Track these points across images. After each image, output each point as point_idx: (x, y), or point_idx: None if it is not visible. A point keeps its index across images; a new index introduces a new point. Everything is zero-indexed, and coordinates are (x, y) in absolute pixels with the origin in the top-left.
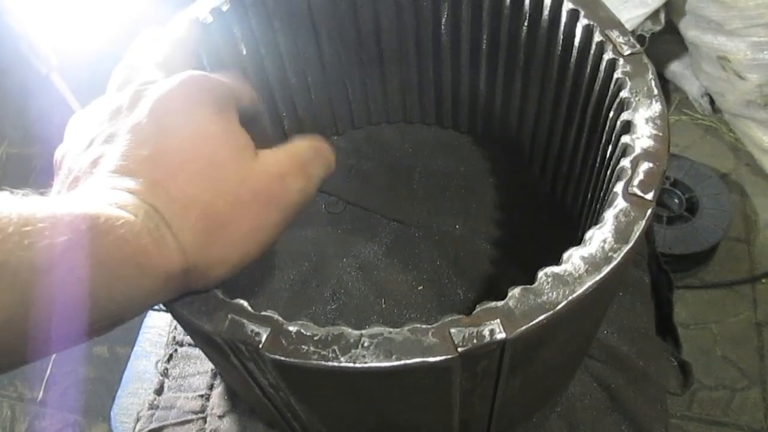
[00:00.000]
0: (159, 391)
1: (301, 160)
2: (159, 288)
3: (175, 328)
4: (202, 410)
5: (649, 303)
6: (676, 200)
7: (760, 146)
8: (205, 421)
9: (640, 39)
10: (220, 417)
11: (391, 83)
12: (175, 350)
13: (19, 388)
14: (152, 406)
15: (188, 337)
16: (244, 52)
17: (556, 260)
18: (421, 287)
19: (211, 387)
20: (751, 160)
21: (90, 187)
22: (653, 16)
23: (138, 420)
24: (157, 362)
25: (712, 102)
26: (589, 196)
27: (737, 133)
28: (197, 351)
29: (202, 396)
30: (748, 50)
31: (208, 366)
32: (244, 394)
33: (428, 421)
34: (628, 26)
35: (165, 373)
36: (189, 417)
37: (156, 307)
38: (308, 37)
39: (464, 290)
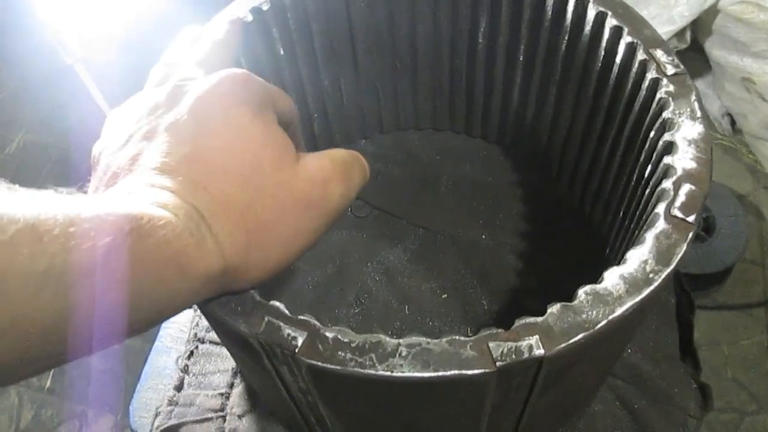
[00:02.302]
0: (179, 388)
1: (342, 166)
2: (198, 289)
3: (197, 324)
4: (222, 409)
5: (673, 324)
6: None
7: None
8: (225, 420)
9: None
10: (240, 417)
11: (422, 90)
12: (196, 347)
13: None
14: (171, 402)
15: (209, 334)
16: (282, 53)
17: (581, 275)
18: (445, 296)
19: (231, 386)
20: None
21: (130, 185)
22: (679, 34)
23: (157, 415)
24: (177, 358)
25: (732, 122)
26: (621, 214)
27: (757, 155)
28: (218, 348)
29: (222, 394)
30: None
31: (229, 364)
32: (267, 395)
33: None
34: None
35: (185, 370)
36: (208, 415)
37: None
38: (344, 41)
39: (488, 301)
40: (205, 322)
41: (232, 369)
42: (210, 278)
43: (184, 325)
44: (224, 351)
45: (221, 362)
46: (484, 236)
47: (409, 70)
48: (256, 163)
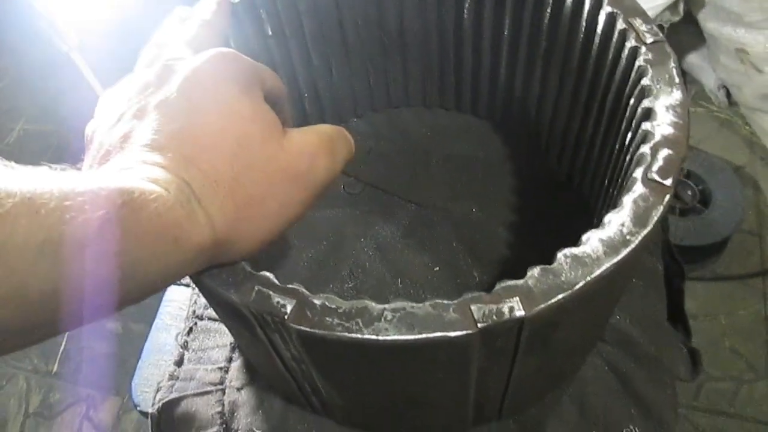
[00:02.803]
0: (179, 363)
1: (327, 140)
2: (190, 261)
3: (195, 302)
4: (221, 382)
5: (661, 291)
6: (690, 192)
7: None
8: (224, 393)
9: (658, 29)
10: (239, 389)
11: (412, 68)
12: (195, 323)
13: (35, 361)
14: (172, 377)
15: (208, 311)
16: (270, 33)
17: (571, 246)
18: (438, 268)
19: (229, 360)
20: (765, 154)
21: (122, 162)
22: (672, 6)
23: (158, 390)
24: (177, 335)
25: (728, 95)
26: (607, 183)
27: (753, 126)
28: (216, 325)
29: (221, 368)
30: (767, 43)
31: (227, 339)
32: (263, 367)
33: (444, 398)
34: None
35: (185, 346)
36: (208, 388)
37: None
38: (332, 20)
39: (480, 273)
40: (203, 300)
41: (231, 344)
42: (201, 250)
43: (182, 303)
44: (222, 327)
45: (219, 338)
46: (474, 210)
47: (397, 47)
48: (244, 138)
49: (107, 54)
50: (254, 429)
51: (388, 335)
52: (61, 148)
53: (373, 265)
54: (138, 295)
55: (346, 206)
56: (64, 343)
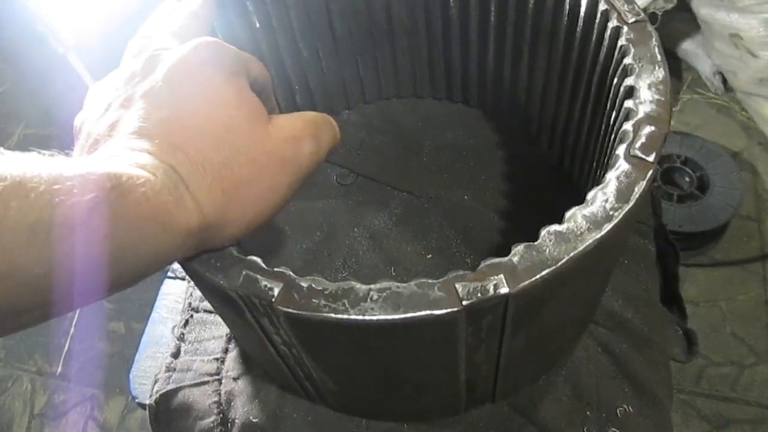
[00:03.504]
0: (176, 355)
1: (312, 126)
2: (179, 245)
3: (191, 295)
4: (218, 373)
5: (654, 272)
6: (687, 178)
7: None
8: (221, 383)
9: (653, 17)
10: (235, 379)
11: (401, 58)
12: (191, 316)
13: (39, 362)
14: (169, 369)
15: (203, 303)
16: (258, 25)
17: None
18: (430, 256)
19: (225, 351)
20: (763, 139)
21: (110, 150)
22: None
23: (156, 382)
24: (173, 327)
25: (724, 81)
26: (595, 164)
27: (749, 111)
28: (212, 317)
29: (217, 359)
30: (760, 27)
31: (223, 331)
32: (258, 355)
33: (434, 379)
34: (641, 3)
35: (181, 338)
36: (205, 379)
37: (172, 274)
38: (320, 11)
39: (472, 259)
40: (198, 293)
41: (226, 335)
42: (189, 234)
43: (178, 296)
44: (218, 319)
45: (215, 329)
46: (467, 197)
47: (386, 38)
48: (231, 124)
49: (103, 55)
50: (251, 418)
51: (374, 315)
52: (61, 152)
53: (367, 254)
54: (128, 279)
55: (338, 197)
56: (67, 344)
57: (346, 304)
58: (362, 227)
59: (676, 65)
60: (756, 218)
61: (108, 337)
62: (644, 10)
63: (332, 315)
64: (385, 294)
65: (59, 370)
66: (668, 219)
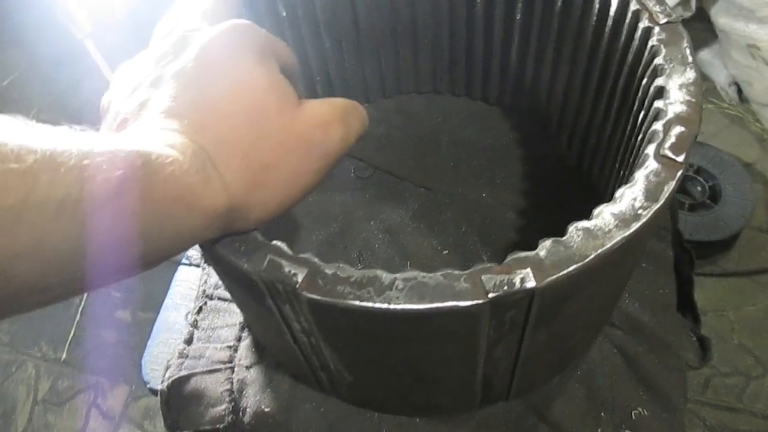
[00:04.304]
0: (189, 342)
1: (342, 111)
2: (205, 226)
3: (205, 282)
4: (230, 360)
5: (671, 276)
6: (699, 188)
7: None
8: (233, 371)
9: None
10: (248, 368)
11: (422, 53)
12: (205, 303)
13: (44, 348)
14: (182, 355)
15: (218, 291)
16: (284, 14)
17: None
18: (446, 252)
19: (239, 339)
20: None
21: (139, 128)
22: (684, 2)
23: (168, 368)
24: (187, 314)
25: (739, 92)
26: (617, 164)
27: (763, 123)
28: (226, 305)
29: (230, 347)
30: None
31: (237, 319)
32: (272, 344)
33: (453, 374)
34: None
35: (195, 325)
36: (217, 366)
37: (186, 261)
38: (345, 3)
39: (488, 256)
40: (213, 280)
41: (240, 323)
42: (216, 215)
43: (193, 283)
44: (232, 306)
45: (229, 317)
46: (484, 194)
47: (409, 33)
48: (260, 106)
49: (121, 43)
50: (263, 407)
51: (399, 304)
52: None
53: (382, 247)
54: (152, 259)
55: (356, 190)
56: (73, 330)
57: (371, 291)
58: (378, 221)
59: None
60: (767, 229)
61: (114, 325)
62: None
63: (357, 302)
64: (411, 283)
65: (64, 356)
66: (680, 227)
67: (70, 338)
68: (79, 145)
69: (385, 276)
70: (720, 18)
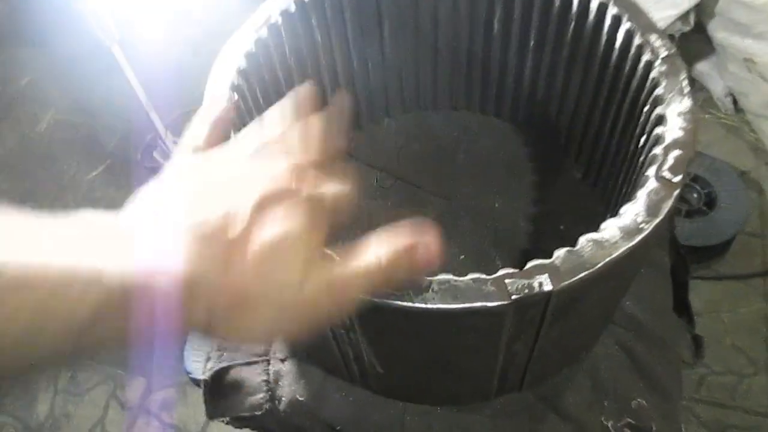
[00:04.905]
0: None
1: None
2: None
3: None
4: (266, 354)
5: (668, 280)
6: (696, 195)
7: None
8: (269, 363)
9: (669, 38)
10: (282, 360)
11: (441, 72)
12: None
13: None
14: (220, 348)
15: None
16: (319, 40)
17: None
18: (463, 257)
19: None
20: None
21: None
22: (683, 17)
23: (208, 360)
24: None
25: (735, 102)
26: (620, 180)
27: (758, 133)
28: None
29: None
30: None
31: None
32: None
33: (476, 366)
34: (660, 25)
35: None
36: (254, 359)
37: None
38: (373, 27)
39: (502, 261)
40: None
41: None
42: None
43: None
44: None
45: None
46: (497, 204)
47: (430, 53)
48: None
49: (147, 51)
50: (297, 396)
51: (435, 304)
52: (90, 139)
53: None
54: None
55: (379, 198)
56: None
57: (411, 293)
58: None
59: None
60: (760, 235)
61: None
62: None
63: (398, 302)
64: (444, 287)
65: None
66: (677, 233)
67: None
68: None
69: (423, 280)
70: (717, 32)
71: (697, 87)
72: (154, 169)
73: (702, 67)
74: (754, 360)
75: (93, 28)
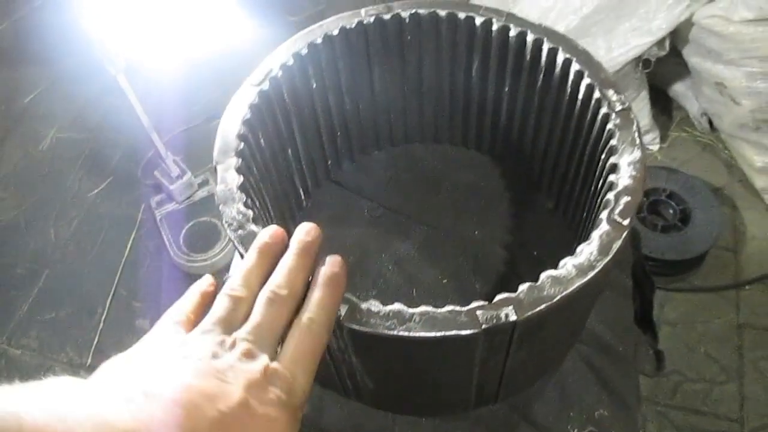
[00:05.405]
0: None
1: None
2: None
3: None
4: None
5: (629, 301)
6: (671, 210)
7: (751, 165)
8: None
9: (647, 63)
10: None
11: (426, 110)
12: None
13: (70, 353)
14: None
15: None
16: (314, 86)
17: (555, 263)
18: (446, 280)
19: None
20: (743, 177)
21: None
22: (659, 42)
23: None
24: None
25: (710, 121)
26: (584, 215)
27: (732, 151)
28: None
29: None
30: (743, 79)
31: None
32: None
33: (454, 382)
34: (636, 52)
35: None
36: None
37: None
38: (364, 73)
39: (481, 284)
40: None
41: None
42: None
43: None
44: None
45: None
46: (476, 232)
47: (416, 94)
48: None
49: (152, 78)
50: None
51: (416, 332)
52: (92, 156)
53: (393, 276)
54: None
55: (369, 227)
56: (97, 337)
57: (396, 323)
58: (389, 254)
59: (667, 104)
60: (733, 249)
61: (135, 332)
62: (639, 56)
63: (385, 331)
64: (424, 317)
65: (89, 361)
66: (653, 247)
67: (94, 345)
68: None
69: (406, 311)
70: (691, 57)
71: (674, 106)
72: (155, 186)
73: (679, 87)
74: (726, 368)
75: (100, 58)
